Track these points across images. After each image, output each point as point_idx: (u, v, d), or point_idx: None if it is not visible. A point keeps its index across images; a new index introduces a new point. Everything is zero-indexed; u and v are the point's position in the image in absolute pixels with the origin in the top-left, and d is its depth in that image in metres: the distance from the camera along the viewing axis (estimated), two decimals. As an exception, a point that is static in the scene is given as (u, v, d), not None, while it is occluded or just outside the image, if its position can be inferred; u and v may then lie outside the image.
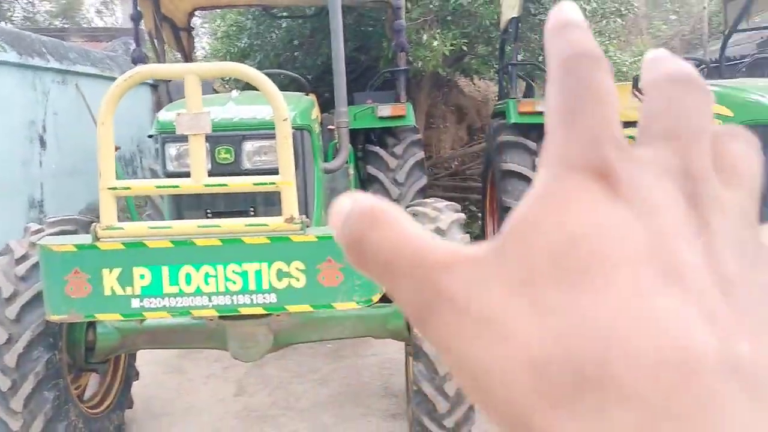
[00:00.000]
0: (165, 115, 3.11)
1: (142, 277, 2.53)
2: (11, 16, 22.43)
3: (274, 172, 3.01)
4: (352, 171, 4.62)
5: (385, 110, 5.30)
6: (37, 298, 2.86)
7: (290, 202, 2.55)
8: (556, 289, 0.21)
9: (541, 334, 0.20)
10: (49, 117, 7.69)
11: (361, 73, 6.76)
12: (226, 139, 3.01)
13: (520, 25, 5.33)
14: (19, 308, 2.86)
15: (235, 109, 3.14)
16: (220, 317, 3.16)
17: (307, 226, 2.58)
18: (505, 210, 5.05)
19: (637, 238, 0.21)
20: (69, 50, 8.58)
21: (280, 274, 2.55)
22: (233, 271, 2.54)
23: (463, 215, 3.39)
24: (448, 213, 3.37)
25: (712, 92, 0.25)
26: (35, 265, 2.90)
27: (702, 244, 0.21)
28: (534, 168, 5.06)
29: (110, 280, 2.52)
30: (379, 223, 0.24)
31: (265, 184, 2.56)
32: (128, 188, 2.56)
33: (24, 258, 2.95)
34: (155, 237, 2.51)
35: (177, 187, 2.56)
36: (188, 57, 6.19)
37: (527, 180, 5.01)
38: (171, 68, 2.66)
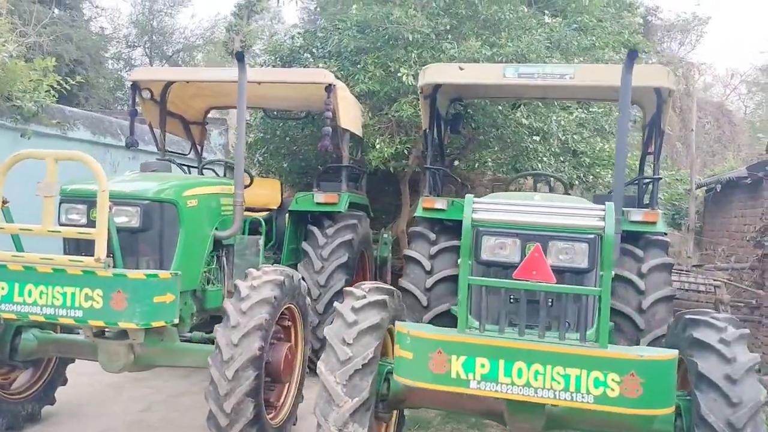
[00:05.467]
0: (67, 186, 4.40)
1: (2, 288, 3.76)
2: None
3: (135, 229, 4.24)
4: (261, 242, 5.70)
5: (320, 197, 6.40)
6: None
7: (101, 248, 3.70)
8: None
9: None
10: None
11: (328, 166, 7.89)
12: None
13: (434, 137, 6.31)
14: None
15: (116, 185, 4.35)
16: (95, 335, 4.33)
17: (110, 266, 3.70)
18: (402, 290, 5.82)
19: None
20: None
21: (86, 297, 3.67)
22: (57, 291, 3.70)
23: None
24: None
25: None
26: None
27: None
28: (429, 257, 5.86)
29: (-20, 288, 3.77)
30: None
31: (84, 233, 3.74)
32: (2, 228, 3.86)
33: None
34: (13, 262, 3.75)
35: (30, 230, 3.81)
36: (198, 145, 7.68)
37: (422, 266, 5.82)
38: (38, 152, 3.93)
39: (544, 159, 7.98)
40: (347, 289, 4.05)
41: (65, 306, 3.70)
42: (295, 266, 6.55)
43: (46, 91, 8.11)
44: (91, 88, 22.61)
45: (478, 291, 3.48)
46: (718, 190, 8.75)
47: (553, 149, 8.14)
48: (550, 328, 3.36)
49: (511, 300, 3.47)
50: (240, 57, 5.00)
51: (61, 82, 8.31)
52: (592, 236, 3.49)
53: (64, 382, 5.22)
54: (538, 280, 3.12)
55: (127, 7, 40.41)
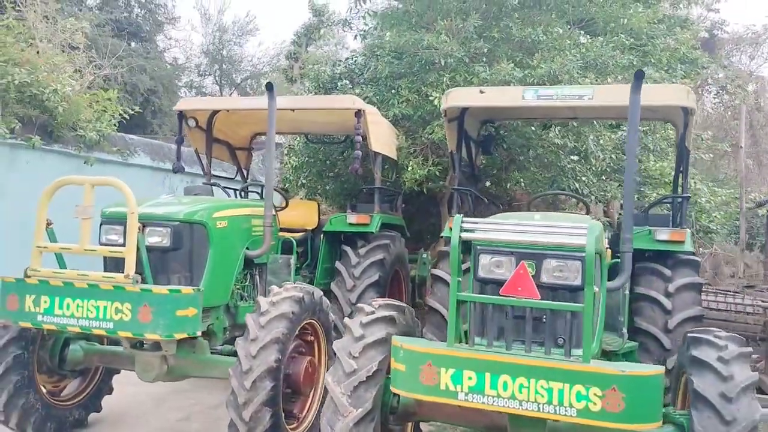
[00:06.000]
0: (106, 208, 4.79)
1: (45, 302, 4.15)
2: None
3: (166, 248, 4.58)
4: (293, 261, 5.97)
5: (352, 218, 6.63)
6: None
7: (130, 265, 4.03)
8: None
9: None
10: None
11: (361, 188, 8.10)
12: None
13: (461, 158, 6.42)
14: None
15: (149, 208, 4.71)
16: (132, 347, 4.69)
17: (137, 282, 4.03)
18: (430, 309, 5.95)
19: None
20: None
21: (117, 310, 4.01)
22: (92, 305, 4.06)
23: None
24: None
25: None
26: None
27: None
28: (456, 274, 5.96)
29: (28, 302, 4.18)
30: None
31: (114, 252, 4.09)
32: (45, 247, 4.26)
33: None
34: (54, 278, 4.14)
35: (69, 249, 4.20)
36: (244, 169, 8.08)
37: (448, 284, 5.93)
38: (76, 179, 4.34)
39: (583, 179, 7.95)
40: (358, 305, 4.24)
41: (98, 318, 4.05)
42: (328, 285, 6.80)
43: (108, 121, 8.73)
44: (164, 116, 23.86)
45: (472, 307, 3.60)
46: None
47: (594, 169, 8.11)
48: (543, 344, 3.44)
49: (507, 316, 3.56)
50: (269, 87, 5.32)
51: (122, 113, 8.93)
52: (584, 254, 3.56)
53: (110, 390, 5.61)
54: (523, 296, 3.23)
55: (199, 38, 42.48)
